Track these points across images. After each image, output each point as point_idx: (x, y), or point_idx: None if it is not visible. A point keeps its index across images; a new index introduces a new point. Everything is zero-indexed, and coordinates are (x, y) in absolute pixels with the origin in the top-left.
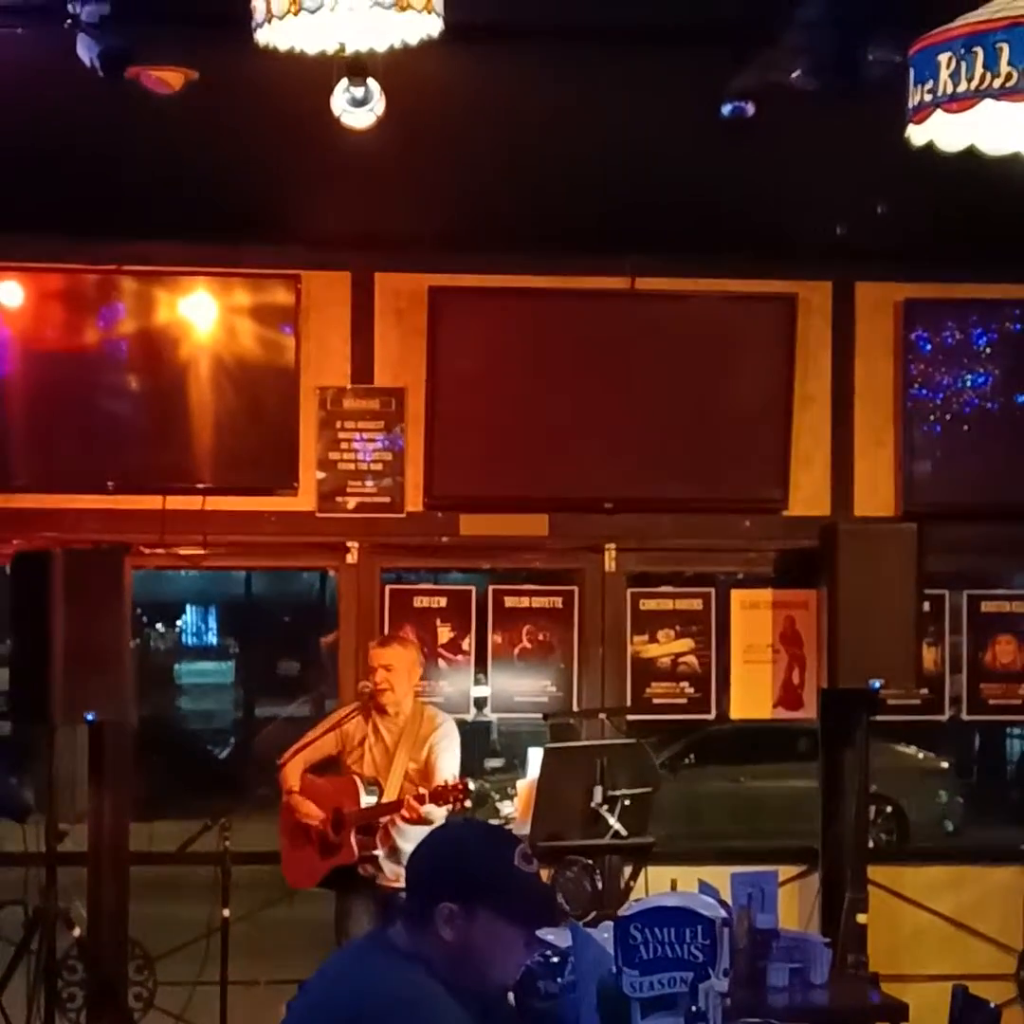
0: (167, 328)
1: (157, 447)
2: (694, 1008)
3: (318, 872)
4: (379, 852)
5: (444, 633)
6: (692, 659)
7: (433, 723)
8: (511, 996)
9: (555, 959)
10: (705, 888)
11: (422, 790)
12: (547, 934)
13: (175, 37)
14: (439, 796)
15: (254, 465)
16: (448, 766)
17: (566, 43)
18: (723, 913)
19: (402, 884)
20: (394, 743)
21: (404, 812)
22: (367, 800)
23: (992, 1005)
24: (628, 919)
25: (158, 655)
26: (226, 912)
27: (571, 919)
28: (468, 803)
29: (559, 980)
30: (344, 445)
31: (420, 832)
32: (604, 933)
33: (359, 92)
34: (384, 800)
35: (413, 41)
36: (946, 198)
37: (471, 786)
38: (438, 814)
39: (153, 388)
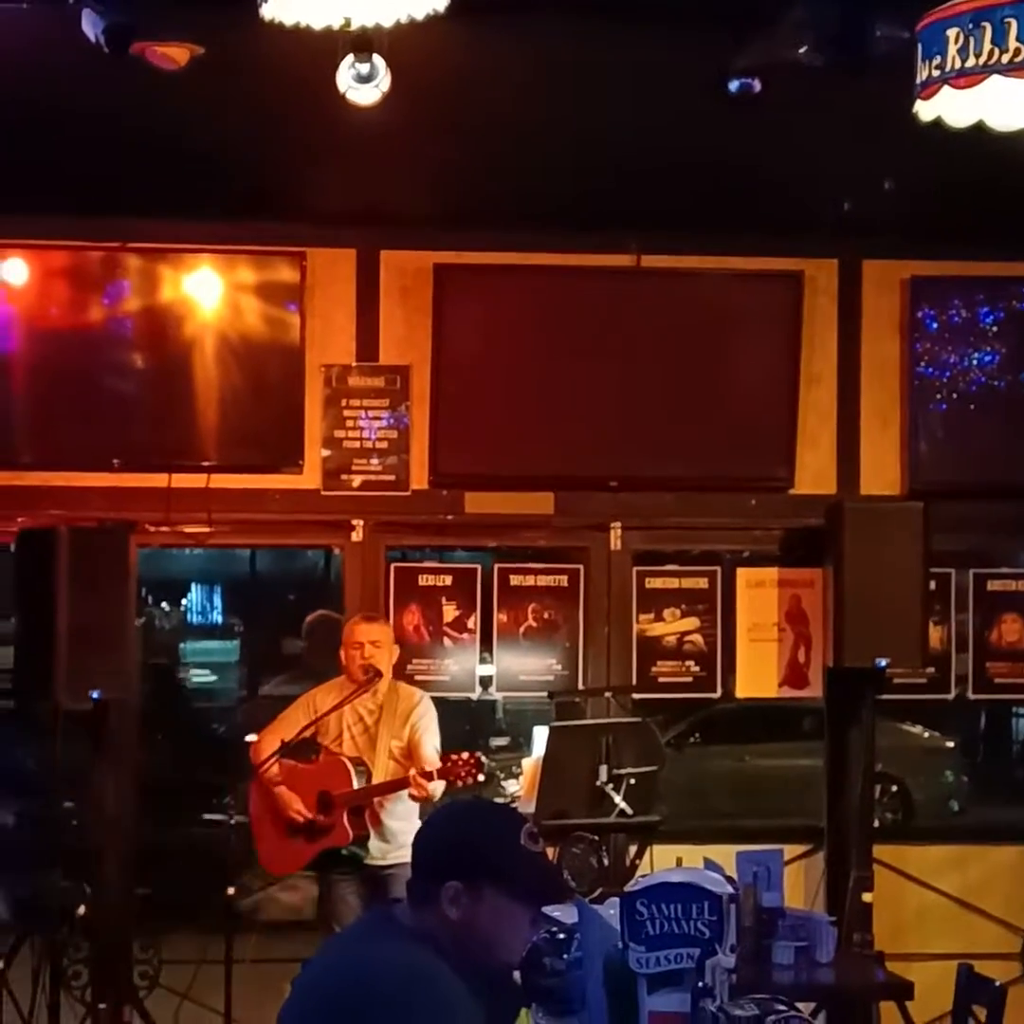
0: (172, 305)
1: (162, 425)
2: (701, 984)
3: (305, 856)
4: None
5: (449, 611)
6: (698, 637)
7: (412, 701)
8: (517, 973)
9: (561, 936)
10: (711, 866)
11: (428, 767)
12: (553, 911)
13: (180, 12)
14: (451, 771)
15: (259, 443)
16: (431, 743)
17: (571, 19)
18: (730, 888)
19: (389, 862)
20: (374, 722)
21: (413, 790)
22: (358, 782)
23: (997, 983)
24: (634, 895)
25: (163, 633)
26: (231, 890)
27: (577, 895)
28: (481, 776)
29: (565, 957)
30: (349, 423)
31: (408, 811)
32: (610, 909)
33: (364, 68)
34: (375, 780)
35: (419, 16)
36: (953, 175)
37: (484, 760)
38: (440, 790)
39: (158, 365)
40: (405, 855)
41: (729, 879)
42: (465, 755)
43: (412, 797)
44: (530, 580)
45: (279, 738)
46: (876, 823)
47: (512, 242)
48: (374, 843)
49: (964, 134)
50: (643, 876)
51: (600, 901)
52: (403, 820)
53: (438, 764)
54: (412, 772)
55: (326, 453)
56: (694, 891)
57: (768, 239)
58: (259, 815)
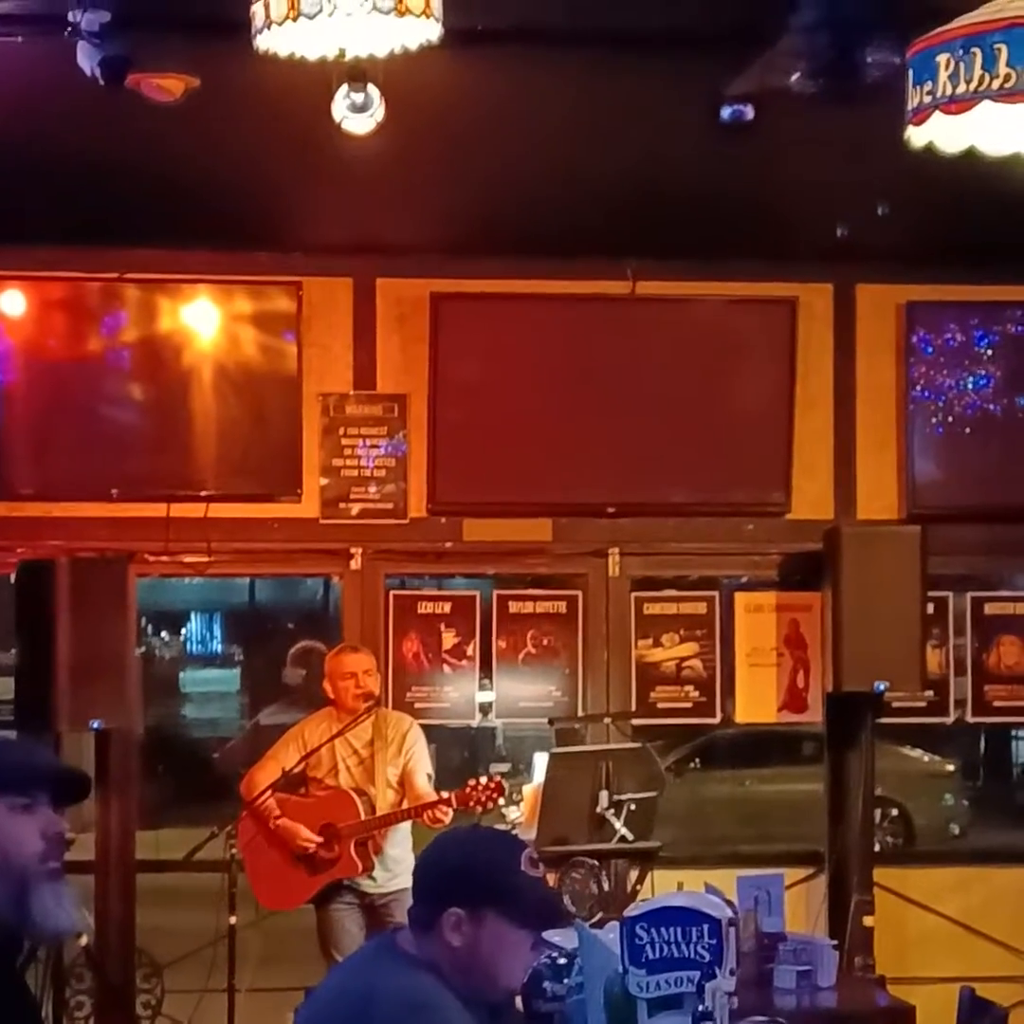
0: (169, 336)
1: (160, 455)
2: (701, 1007)
3: (309, 889)
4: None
5: (448, 639)
6: (696, 663)
7: (403, 727)
8: (518, 998)
9: (562, 960)
10: (712, 892)
11: (445, 793)
12: (553, 935)
13: (175, 44)
14: (471, 796)
15: (257, 472)
16: (424, 772)
17: (565, 48)
18: (729, 912)
19: (388, 889)
20: (367, 750)
21: (437, 818)
22: (364, 813)
23: (1000, 1007)
24: (634, 919)
25: (163, 663)
26: (233, 919)
27: (577, 920)
28: (502, 801)
29: (566, 981)
30: (347, 451)
31: (405, 837)
32: (610, 934)
33: (359, 98)
34: (378, 810)
35: (413, 46)
36: (946, 200)
37: (506, 785)
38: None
39: (156, 396)
40: (403, 882)
41: (728, 903)
42: (484, 780)
43: (430, 824)
44: (529, 607)
45: (271, 773)
46: (877, 847)
47: (508, 270)
48: (375, 871)
49: (956, 159)
50: (643, 900)
51: (600, 925)
52: (401, 847)
53: (431, 792)
54: (437, 799)
55: (324, 482)
56: (693, 915)
57: (763, 265)
58: (254, 851)
